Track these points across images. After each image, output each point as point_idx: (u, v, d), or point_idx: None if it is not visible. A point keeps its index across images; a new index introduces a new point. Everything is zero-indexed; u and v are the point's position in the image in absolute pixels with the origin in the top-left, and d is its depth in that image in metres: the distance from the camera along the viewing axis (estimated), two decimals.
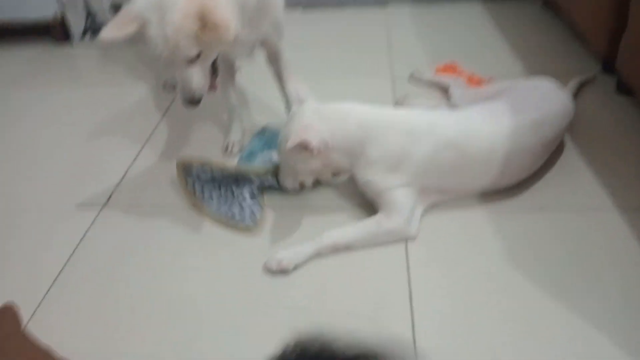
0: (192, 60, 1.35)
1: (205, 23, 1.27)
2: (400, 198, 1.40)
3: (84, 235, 1.51)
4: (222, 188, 1.58)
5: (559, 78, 1.67)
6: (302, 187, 1.56)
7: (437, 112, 1.52)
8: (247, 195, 1.55)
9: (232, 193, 1.57)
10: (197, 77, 1.37)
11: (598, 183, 1.54)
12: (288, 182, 1.52)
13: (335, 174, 1.57)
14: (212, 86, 1.47)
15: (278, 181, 1.55)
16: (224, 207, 1.54)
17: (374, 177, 1.42)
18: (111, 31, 1.31)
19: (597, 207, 1.46)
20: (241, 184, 1.58)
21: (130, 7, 1.32)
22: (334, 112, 1.44)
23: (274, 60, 1.73)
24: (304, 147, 1.36)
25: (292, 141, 1.35)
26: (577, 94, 1.90)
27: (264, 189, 1.60)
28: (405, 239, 1.40)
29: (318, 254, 1.37)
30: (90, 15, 2.61)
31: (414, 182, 1.41)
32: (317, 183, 1.59)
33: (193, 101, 1.40)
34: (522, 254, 1.34)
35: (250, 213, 1.52)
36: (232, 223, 1.50)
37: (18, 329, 1.11)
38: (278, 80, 1.77)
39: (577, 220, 1.43)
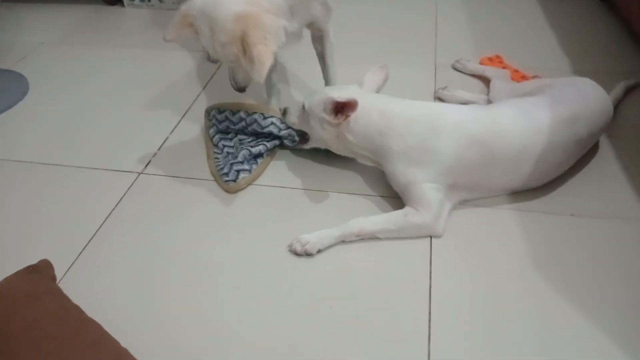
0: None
1: (245, 50, 1.31)
2: (428, 192, 1.40)
3: (120, 199, 1.57)
4: (234, 142, 1.69)
5: (606, 78, 1.63)
6: (303, 140, 1.61)
7: (466, 109, 1.49)
8: (240, 158, 1.62)
9: (236, 150, 1.66)
10: (243, 73, 1.45)
11: (633, 192, 1.51)
12: (294, 122, 1.59)
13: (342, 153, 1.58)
14: None
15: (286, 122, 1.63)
16: (223, 162, 1.63)
17: (400, 169, 1.43)
18: (172, 33, 1.42)
19: (629, 216, 1.44)
20: (256, 140, 1.67)
21: (187, 6, 1.38)
22: (361, 97, 1.44)
23: (319, 40, 1.73)
24: (336, 107, 1.42)
25: (333, 97, 1.41)
26: (623, 97, 1.85)
27: (272, 153, 1.69)
28: (431, 235, 1.41)
29: (342, 240, 1.39)
30: None
31: (441, 178, 1.40)
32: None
33: (240, 90, 1.52)
34: (547, 258, 1.34)
35: (235, 173, 1.58)
36: (218, 178, 1.61)
37: (51, 286, 1.18)
38: (320, 60, 1.77)
39: (607, 228, 1.41)
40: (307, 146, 1.62)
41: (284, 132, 1.64)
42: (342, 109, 1.43)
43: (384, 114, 1.45)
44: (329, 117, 1.45)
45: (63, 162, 1.73)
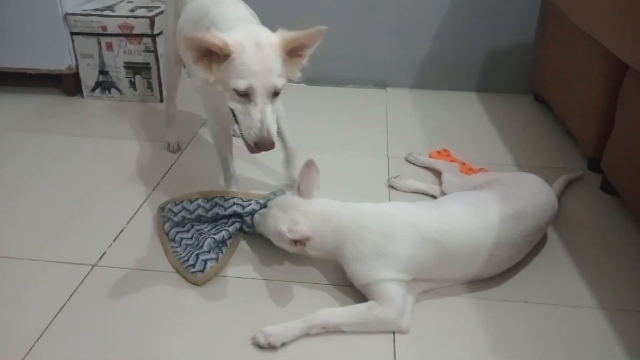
0: (275, 96, 1.38)
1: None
2: (390, 288, 1.41)
3: (73, 292, 1.51)
4: (192, 234, 1.68)
5: (546, 171, 1.75)
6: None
7: (417, 209, 1.54)
8: (205, 247, 1.60)
9: (197, 241, 1.64)
10: (271, 117, 1.36)
11: (582, 280, 1.58)
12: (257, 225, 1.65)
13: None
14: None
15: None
16: (184, 254, 1.61)
17: (357, 271, 1.45)
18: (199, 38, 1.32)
19: (581, 304, 1.50)
20: (215, 227, 1.67)
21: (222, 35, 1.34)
22: (314, 213, 1.50)
23: None
24: (290, 241, 1.46)
25: (287, 231, 1.45)
26: (564, 191, 1.98)
27: (236, 238, 1.69)
28: (396, 331, 1.40)
29: (307, 333, 1.37)
30: (102, 71, 2.69)
31: (399, 275, 1.42)
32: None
33: (270, 140, 1.34)
34: (505, 347, 1.36)
35: (202, 263, 1.56)
36: (183, 271, 1.57)
37: None
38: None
39: (559, 314, 1.46)
40: None
41: (248, 209, 1.66)
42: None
43: (335, 230, 1.48)
44: (289, 247, 1.51)
45: (14, 254, 1.66)
